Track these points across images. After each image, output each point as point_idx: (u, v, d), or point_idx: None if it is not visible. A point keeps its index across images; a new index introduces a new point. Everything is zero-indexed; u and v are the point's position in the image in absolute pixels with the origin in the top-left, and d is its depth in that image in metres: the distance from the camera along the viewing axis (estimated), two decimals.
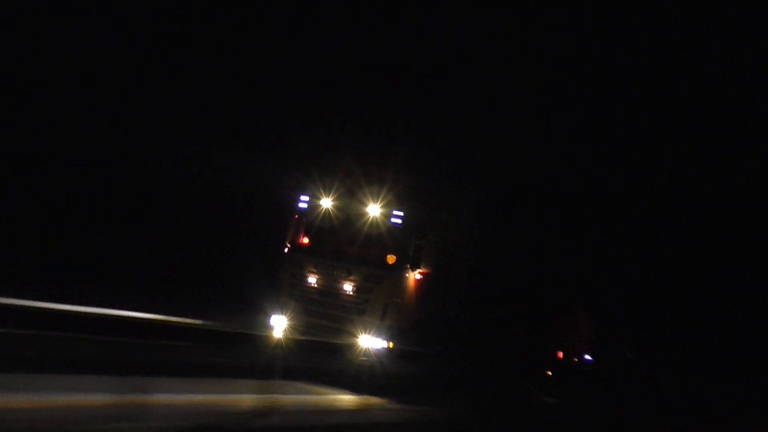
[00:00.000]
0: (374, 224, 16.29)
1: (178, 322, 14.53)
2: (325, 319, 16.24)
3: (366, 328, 15.85)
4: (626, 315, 25.72)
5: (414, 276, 16.32)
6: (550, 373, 20.98)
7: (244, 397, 10.29)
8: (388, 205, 16.22)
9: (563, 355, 21.70)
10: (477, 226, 19.35)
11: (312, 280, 16.53)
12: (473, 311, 18.53)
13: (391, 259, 16.06)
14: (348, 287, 16.18)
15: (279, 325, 16.35)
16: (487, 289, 19.30)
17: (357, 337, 15.85)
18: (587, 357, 23.02)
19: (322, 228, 16.74)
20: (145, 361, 10.48)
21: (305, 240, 17.03)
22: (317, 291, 16.44)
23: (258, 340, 14.86)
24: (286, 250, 17.05)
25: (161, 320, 13.89)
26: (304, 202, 17.11)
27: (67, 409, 7.34)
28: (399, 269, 16.04)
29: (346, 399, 13.42)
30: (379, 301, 15.92)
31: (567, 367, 21.78)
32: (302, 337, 15.69)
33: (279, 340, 15.44)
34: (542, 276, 21.65)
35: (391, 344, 15.87)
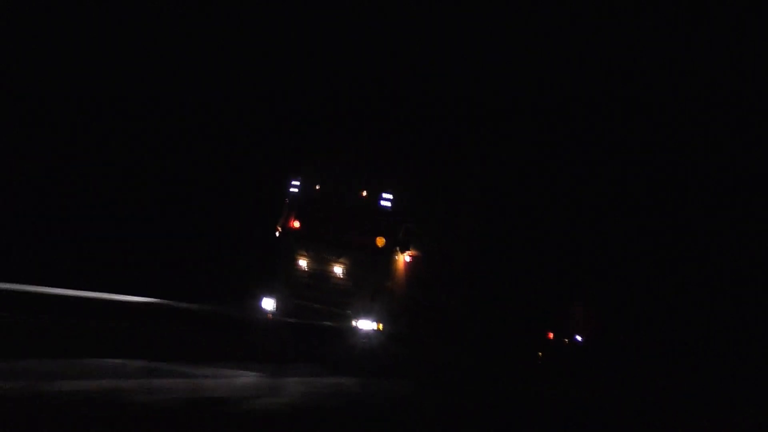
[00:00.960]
0: (364, 207, 16.50)
1: (174, 306, 14.72)
2: (317, 301, 16.49)
3: (356, 311, 16.11)
4: (627, 307, 26.13)
5: (403, 258, 16.54)
6: (541, 354, 21.42)
7: (238, 379, 10.45)
8: (378, 188, 16.41)
9: (553, 335, 22.25)
10: (471, 212, 19.56)
11: (303, 263, 16.75)
12: (465, 295, 18.77)
13: (380, 241, 16.24)
14: (338, 270, 16.42)
15: (271, 308, 16.64)
16: (481, 275, 19.57)
17: (348, 319, 16.12)
18: (578, 338, 23.47)
19: (312, 212, 16.93)
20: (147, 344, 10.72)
21: (296, 224, 17.21)
22: (308, 274, 16.68)
23: (250, 322, 15.10)
24: (277, 234, 17.27)
25: (158, 304, 14.06)
26: (295, 186, 17.31)
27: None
28: (388, 252, 16.25)
29: (341, 381, 13.57)
30: (369, 283, 16.16)
31: (556, 346, 22.28)
32: (293, 320, 15.91)
33: (271, 322, 15.75)
34: (538, 267, 21.97)
35: (380, 326, 16.11)
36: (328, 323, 16.12)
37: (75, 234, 18.95)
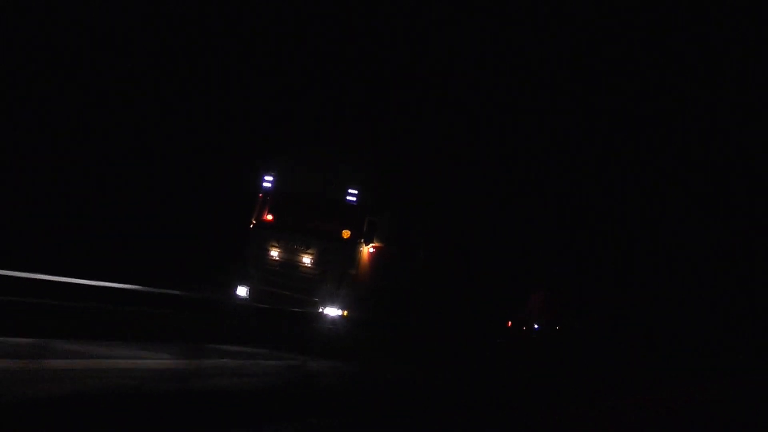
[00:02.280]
0: (331, 202, 17.74)
1: (160, 292, 15.75)
2: (287, 289, 17.68)
3: (323, 297, 17.34)
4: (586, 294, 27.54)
5: (368, 250, 17.76)
6: (500, 340, 22.74)
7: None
8: (344, 184, 17.64)
9: (512, 324, 23.62)
10: (432, 206, 20.79)
11: (274, 253, 17.97)
12: (427, 284, 19.99)
13: (345, 233, 17.48)
14: (307, 260, 17.65)
15: (245, 294, 17.87)
16: (443, 266, 20.81)
17: (315, 306, 17.34)
18: (536, 326, 24.89)
19: (284, 206, 18.17)
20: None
21: (269, 217, 18.43)
22: (279, 263, 17.91)
23: (225, 307, 16.19)
24: (251, 226, 18.48)
25: (144, 290, 15.07)
26: (268, 181, 18.54)
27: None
28: (353, 243, 17.48)
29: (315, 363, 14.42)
30: (335, 272, 17.40)
31: (515, 334, 23.67)
32: (265, 306, 17.06)
33: (246, 308, 16.90)
34: (499, 259, 23.22)
35: (345, 312, 17.35)
36: (297, 309, 17.27)
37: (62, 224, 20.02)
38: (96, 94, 22.56)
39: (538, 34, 30.44)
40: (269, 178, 18.46)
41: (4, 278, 9.49)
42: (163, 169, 23.11)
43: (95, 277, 12.78)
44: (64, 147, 21.98)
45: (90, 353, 10.41)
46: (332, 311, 17.28)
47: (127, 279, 15.33)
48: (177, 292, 15.84)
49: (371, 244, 17.75)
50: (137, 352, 11.50)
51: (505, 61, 28.68)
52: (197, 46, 24.08)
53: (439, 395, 12.53)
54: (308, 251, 17.61)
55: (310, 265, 17.61)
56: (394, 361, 15.22)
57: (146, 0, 24.02)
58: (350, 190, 17.57)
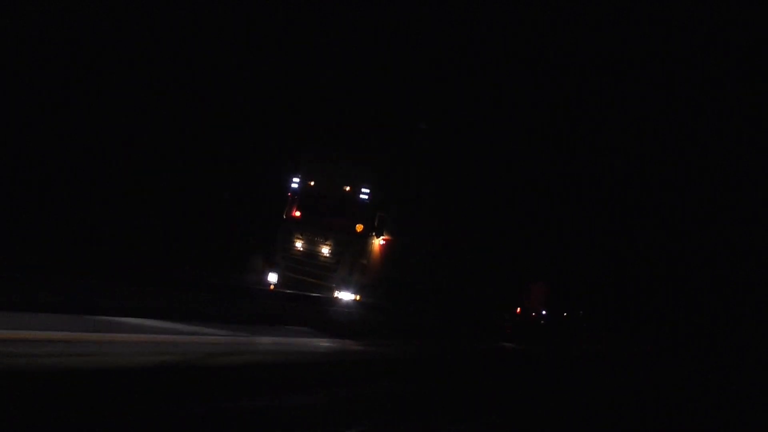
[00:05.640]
0: (347, 200, 20.31)
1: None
2: (308, 276, 20.35)
3: (338, 284, 19.93)
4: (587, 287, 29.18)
5: (378, 242, 20.25)
6: (509, 326, 24.77)
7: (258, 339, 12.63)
8: (358, 184, 20.18)
9: (521, 310, 25.66)
10: (439, 203, 23.12)
11: (299, 244, 20.69)
12: (435, 274, 22.31)
13: (359, 227, 20.02)
14: (325, 250, 20.29)
15: (275, 280, 20.63)
16: (451, 258, 23.09)
17: (332, 291, 19.93)
18: (544, 312, 26.81)
19: (307, 203, 20.88)
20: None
21: (297, 213, 21.17)
22: (302, 253, 20.60)
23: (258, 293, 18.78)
24: (283, 219, 21.25)
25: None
26: (295, 182, 21.29)
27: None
28: (365, 236, 20.00)
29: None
30: (349, 261, 19.95)
31: (525, 320, 25.66)
32: (290, 291, 19.75)
33: (275, 292, 19.60)
34: (502, 250, 25.22)
35: (358, 297, 19.88)
36: (316, 294, 19.88)
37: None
38: (148, 103, 25.31)
39: (540, 34, 31.89)
40: (296, 179, 21.22)
41: None
42: (205, 172, 25.99)
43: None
44: (126, 154, 24.89)
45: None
46: (346, 296, 19.83)
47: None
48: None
49: (382, 237, 20.23)
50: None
51: (512, 54, 30.16)
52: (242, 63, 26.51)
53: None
54: (326, 243, 20.24)
55: (327, 255, 20.23)
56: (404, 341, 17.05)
57: (180, 3, 26.12)
58: (363, 189, 20.11)
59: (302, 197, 21.00)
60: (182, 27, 25.45)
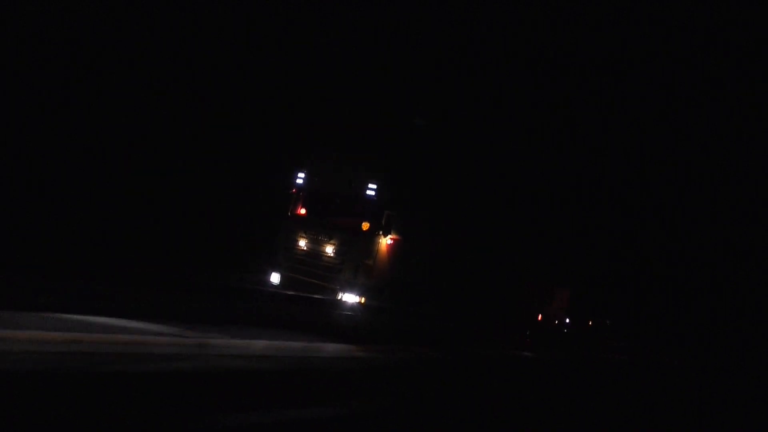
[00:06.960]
0: (354, 197, 19.04)
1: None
2: (312, 276, 19.09)
3: (342, 285, 18.62)
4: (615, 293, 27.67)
5: (386, 241, 18.93)
6: (528, 333, 23.25)
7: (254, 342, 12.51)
8: (365, 181, 18.91)
9: (542, 317, 24.10)
10: (454, 203, 21.75)
11: (302, 243, 19.45)
12: (447, 277, 20.92)
13: (365, 226, 18.69)
14: (329, 250, 19.00)
15: (277, 281, 19.40)
16: (461, 260, 21.69)
17: (336, 293, 18.63)
18: (567, 320, 25.22)
19: (312, 201, 19.65)
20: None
21: (302, 211, 19.97)
22: (305, 253, 19.35)
23: (260, 294, 17.67)
24: (288, 216, 20.03)
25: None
26: (300, 179, 20.09)
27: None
28: (371, 235, 18.68)
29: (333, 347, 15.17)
30: (353, 262, 18.64)
31: (545, 327, 24.11)
32: (292, 293, 18.50)
33: (274, 294, 18.38)
34: (519, 254, 23.81)
35: (363, 299, 18.55)
36: (319, 296, 18.61)
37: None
38: (154, 102, 24.63)
39: (542, 32, 30.72)
40: (302, 175, 20.02)
41: None
42: (208, 170, 25.06)
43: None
44: (130, 154, 24.17)
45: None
46: (350, 298, 18.50)
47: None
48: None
49: (389, 236, 18.91)
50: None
51: (518, 55, 29.09)
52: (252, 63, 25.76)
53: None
54: (331, 242, 18.97)
55: (331, 255, 18.95)
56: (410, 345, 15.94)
57: (182, 3, 25.57)
58: (370, 185, 18.82)
59: (307, 194, 19.80)
60: (183, 27, 24.67)
